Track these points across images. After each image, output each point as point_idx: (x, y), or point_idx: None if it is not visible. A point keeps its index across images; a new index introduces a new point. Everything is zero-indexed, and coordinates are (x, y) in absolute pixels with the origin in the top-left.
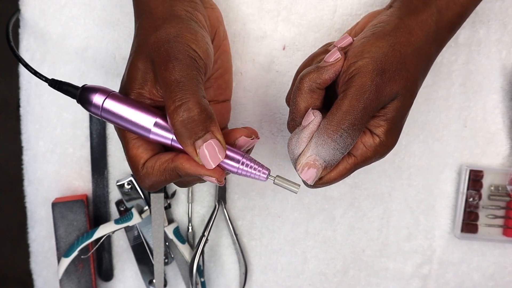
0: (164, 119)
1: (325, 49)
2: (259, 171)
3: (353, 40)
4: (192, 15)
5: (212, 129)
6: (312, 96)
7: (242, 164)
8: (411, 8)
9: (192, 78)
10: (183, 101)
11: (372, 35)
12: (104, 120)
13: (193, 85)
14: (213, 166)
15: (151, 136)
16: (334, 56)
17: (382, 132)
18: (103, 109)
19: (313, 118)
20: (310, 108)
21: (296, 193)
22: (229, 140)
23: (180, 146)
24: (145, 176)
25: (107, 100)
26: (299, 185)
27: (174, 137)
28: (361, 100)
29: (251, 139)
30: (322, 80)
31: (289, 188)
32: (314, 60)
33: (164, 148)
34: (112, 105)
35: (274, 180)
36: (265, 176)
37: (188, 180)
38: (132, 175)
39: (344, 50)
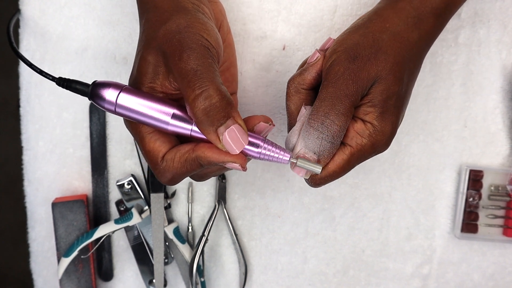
0: (181, 109)
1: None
2: (281, 154)
3: None
4: (198, 7)
5: (234, 115)
6: (299, 97)
7: (264, 148)
8: (390, 0)
9: (208, 66)
10: (203, 89)
11: (345, 31)
12: (118, 115)
13: (210, 73)
14: (237, 152)
15: (170, 128)
16: (315, 56)
17: (373, 118)
18: (118, 104)
19: (304, 112)
20: (303, 104)
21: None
22: (248, 127)
23: (199, 136)
24: (165, 170)
25: (121, 94)
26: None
27: (194, 127)
28: (337, 86)
29: (269, 125)
30: (306, 81)
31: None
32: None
33: (180, 140)
34: (127, 100)
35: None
36: (287, 159)
37: (207, 172)
38: (132, 175)
39: (326, 52)
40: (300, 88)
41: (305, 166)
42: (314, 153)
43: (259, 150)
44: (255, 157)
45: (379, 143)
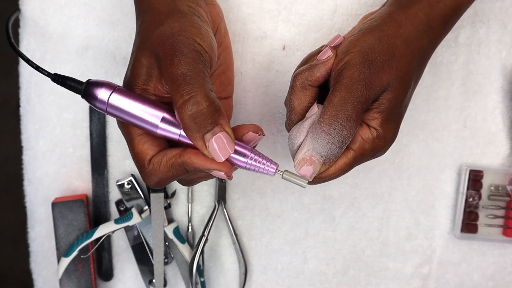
0: (171, 114)
1: (319, 50)
2: (267, 166)
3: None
4: (194, 10)
5: (221, 122)
6: (305, 93)
7: (251, 159)
8: (401, 4)
9: (198, 72)
10: (191, 95)
11: (359, 31)
12: (109, 115)
13: (200, 79)
14: (223, 159)
15: (159, 131)
16: (326, 54)
17: (378, 124)
18: (109, 104)
19: (316, 110)
20: (315, 102)
21: (304, 187)
22: (236, 136)
23: (187, 141)
24: (152, 173)
25: (113, 94)
26: (307, 180)
27: (182, 132)
28: (351, 92)
29: (258, 135)
30: (314, 77)
31: (298, 182)
32: (308, 61)
33: (169, 144)
34: (118, 100)
35: (282, 175)
36: (274, 170)
37: (194, 177)
38: (132, 175)
39: (337, 49)
40: (307, 84)
41: (291, 180)
42: (321, 157)
43: (245, 159)
44: (241, 167)
45: (380, 148)
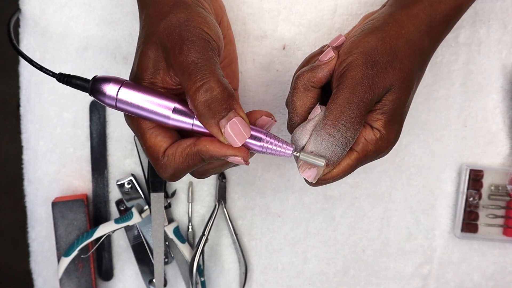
0: (182, 103)
1: (321, 51)
2: (283, 148)
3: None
4: (198, 2)
5: (235, 107)
6: (307, 95)
7: (267, 142)
8: (402, 4)
9: (209, 59)
10: (203, 81)
11: (361, 32)
12: (119, 110)
13: (211, 65)
14: (240, 144)
15: (171, 122)
16: (328, 55)
17: (381, 126)
18: (118, 99)
19: (319, 112)
20: (318, 103)
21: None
22: (250, 121)
23: (201, 129)
24: (167, 165)
25: (121, 89)
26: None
27: (195, 121)
28: (355, 93)
29: (271, 119)
30: (316, 78)
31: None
32: (310, 62)
33: (181, 135)
34: (127, 95)
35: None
36: (290, 152)
37: (208, 167)
38: (132, 175)
39: (338, 49)
40: (309, 85)
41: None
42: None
43: (261, 143)
44: (257, 151)
45: (383, 149)
